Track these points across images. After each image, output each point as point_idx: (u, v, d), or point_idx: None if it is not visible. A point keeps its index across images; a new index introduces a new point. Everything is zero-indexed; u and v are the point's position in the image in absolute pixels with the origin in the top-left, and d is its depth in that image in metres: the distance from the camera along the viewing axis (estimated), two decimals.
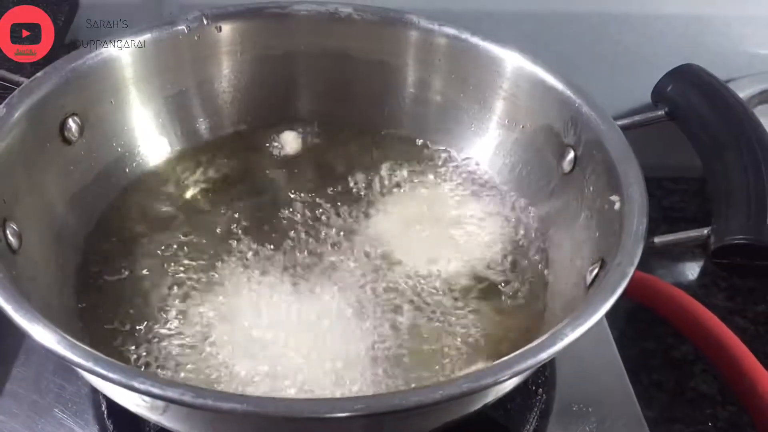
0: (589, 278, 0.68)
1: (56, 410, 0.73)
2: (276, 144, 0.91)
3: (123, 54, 0.82)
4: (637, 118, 0.79)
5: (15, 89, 0.74)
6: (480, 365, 0.69)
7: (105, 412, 0.72)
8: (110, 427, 0.72)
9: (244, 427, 0.56)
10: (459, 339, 0.72)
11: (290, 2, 0.89)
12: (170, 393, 0.50)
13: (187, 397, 0.50)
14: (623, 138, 0.74)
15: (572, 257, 0.75)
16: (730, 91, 0.76)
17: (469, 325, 0.73)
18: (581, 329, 0.56)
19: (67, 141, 0.78)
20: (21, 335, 0.56)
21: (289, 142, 0.90)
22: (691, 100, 0.76)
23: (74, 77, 0.78)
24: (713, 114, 0.73)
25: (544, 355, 0.55)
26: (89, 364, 0.52)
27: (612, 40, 1.20)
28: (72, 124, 0.78)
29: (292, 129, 0.92)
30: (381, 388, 0.66)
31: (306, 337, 0.70)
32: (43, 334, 0.54)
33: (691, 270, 1.23)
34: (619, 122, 0.76)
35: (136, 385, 0.50)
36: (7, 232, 0.66)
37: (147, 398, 0.52)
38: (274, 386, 0.65)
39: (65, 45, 1.14)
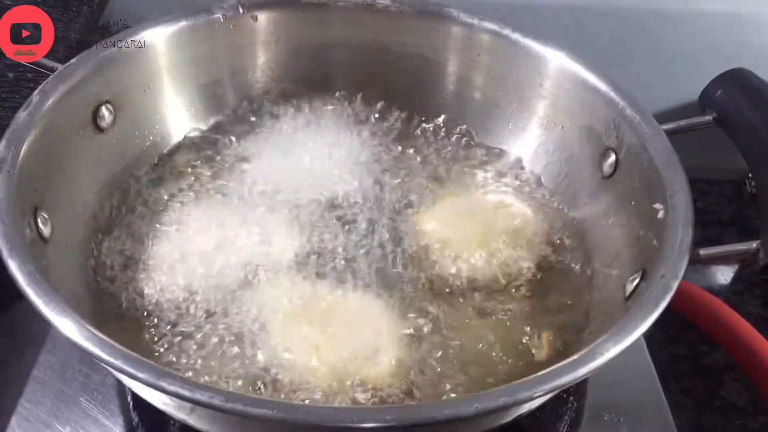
0: (629, 288, 0.66)
1: (82, 399, 0.72)
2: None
3: (158, 41, 0.81)
4: (683, 122, 0.77)
5: (49, 75, 0.74)
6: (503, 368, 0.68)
7: (131, 404, 0.72)
8: (135, 418, 0.71)
9: (272, 431, 0.55)
10: (487, 340, 0.70)
11: None
12: (199, 396, 0.49)
13: (216, 401, 0.49)
14: (668, 143, 0.72)
15: (611, 264, 0.73)
16: None
17: (498, 326, 0.72)
18: (622, 345, 0.55)
19: (99, 129, 0.77)
20: (48, 322, 0.55)
21: None
22: (741, 107, 0.73)
23: (109, 64, 0.77)
24: (764, 122, 0.70)
25: (582, 371, 0.53)
26: (118, 362, 0.51)
27: (653, 37, 1.17)
28: (105, 111, 0.77)
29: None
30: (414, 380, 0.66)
31: (344, 328, 0.68)
32: (72, 330, 0.53)
33: (725, 275, 1.20)
34: (665, 126, 0.74)
35: (164, 386, 0.49)
36: (38, 220, 0.65)
37: (175, 399, 0.51)
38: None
39: (99, 27, 1.13)
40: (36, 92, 0.71)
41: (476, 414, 0.50)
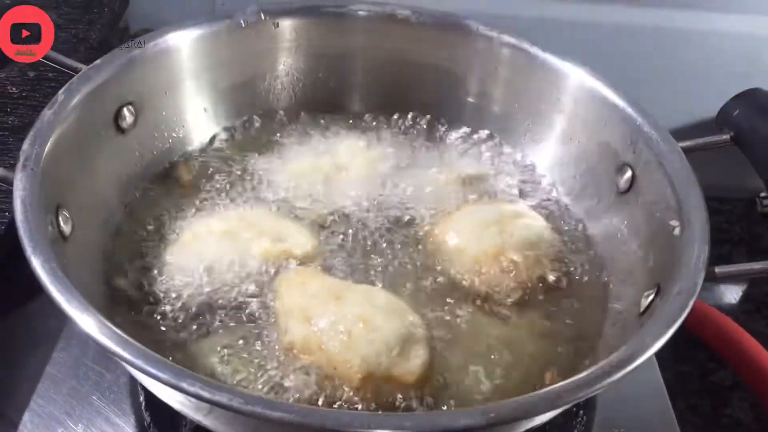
0: (644, 303, 0.66)
1: (94, 398, 0.73)
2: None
3: (182, 46, 0.82)
4: (700, 141, 0.77)
5: (70, 75, 0.75)
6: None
7: (143, 403, 0.72)
8: (147, 418, 0.72)
9: None
10: (497, 349, 0.70)
11: (348, 1, 0.89)
12: (218, 397, 0.49)
13: (236, 403, 0.49)
14: (685, 160, 0.72)
15: (625, 279, 0.74)
16: None
17: (509, 337, 0.72)
18: (636, 361, 0.55)
19: (120, 130, 0.78)
20: (62, 318, 0.56)
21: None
22: (759, 126, 0.74)
23: (132, 66, 0.78)
24: None
25: (596, 386, 0.53)
26: (139, 362, 0.51)
27: (669, 55, 1.18)
28: (126, 113, 0.78)
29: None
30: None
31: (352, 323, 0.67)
32: (94, 328, 0.53)
33: (734, 294, 1.20)
34: (682, 144, 0.74)
35: (185, 386, 0.50)
36: (60, 219, 0.66)
37: (194, 400, 0.51)
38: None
39: (118, 29, 1.15)
40: (61, 91, 0.72)
41: (489, 424, 0.51)
